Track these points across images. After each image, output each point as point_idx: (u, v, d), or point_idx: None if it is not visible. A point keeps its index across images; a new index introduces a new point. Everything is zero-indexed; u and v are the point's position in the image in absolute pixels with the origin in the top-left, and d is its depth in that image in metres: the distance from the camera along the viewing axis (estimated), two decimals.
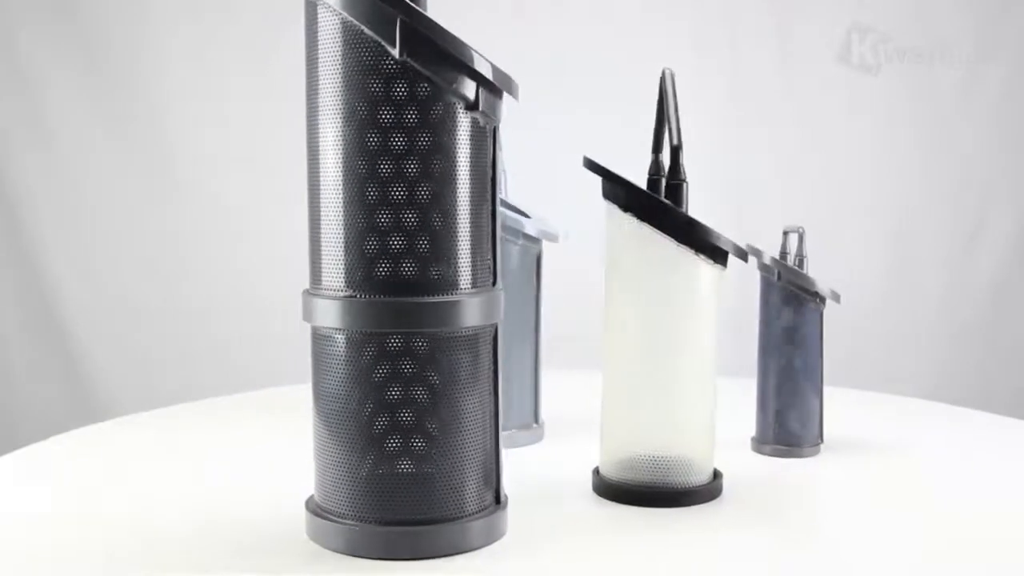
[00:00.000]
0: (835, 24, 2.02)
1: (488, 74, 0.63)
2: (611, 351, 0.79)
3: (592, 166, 0.77)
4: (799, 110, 2.07)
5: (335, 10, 0.61)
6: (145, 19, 1.95)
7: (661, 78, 0.78)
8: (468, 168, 0.64)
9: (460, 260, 0.64)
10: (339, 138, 0.62)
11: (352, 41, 0.61)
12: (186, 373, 1.98)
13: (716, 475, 0.79)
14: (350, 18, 0.61)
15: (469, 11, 1.93)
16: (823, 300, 0.94)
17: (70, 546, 0.67)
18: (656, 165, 0.79)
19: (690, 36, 2.04)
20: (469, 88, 0.63)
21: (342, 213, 0.63)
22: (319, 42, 0.63)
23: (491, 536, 0.66)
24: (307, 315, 0.66)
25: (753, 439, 0.93)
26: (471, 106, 0.63)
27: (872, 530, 0.70)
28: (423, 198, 0.62)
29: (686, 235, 0.75)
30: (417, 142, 0.62)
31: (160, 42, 1.96)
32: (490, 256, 0.66)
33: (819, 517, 0.76)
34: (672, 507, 0.75)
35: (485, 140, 0.65)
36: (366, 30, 0.61)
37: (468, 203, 0.64)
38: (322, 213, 0.64)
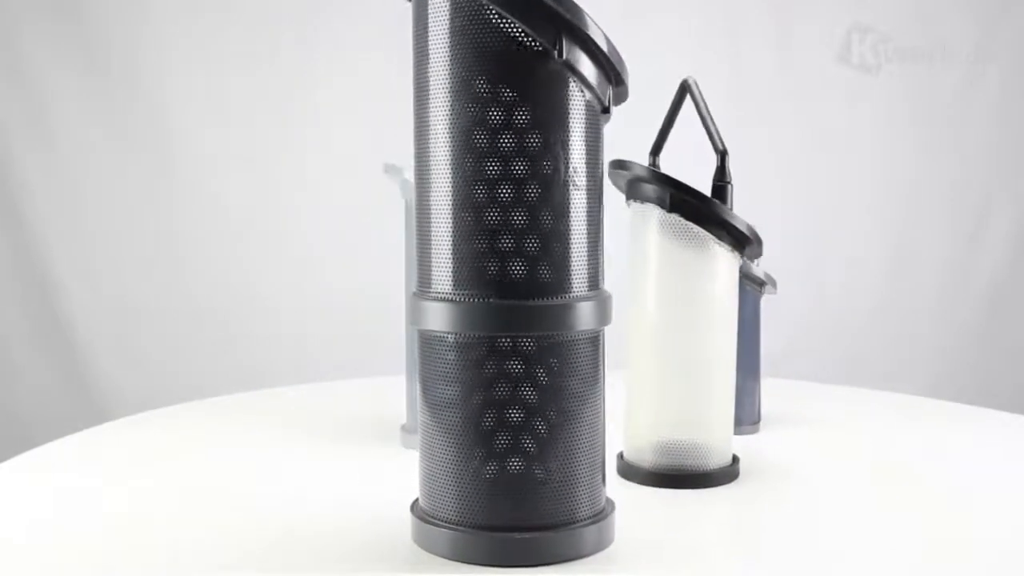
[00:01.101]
0: (835, 24, 2.02)
1: (625, 77, 0.63)
2: (636, 343, 0.82)
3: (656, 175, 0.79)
4: (799, 110, 2.07)
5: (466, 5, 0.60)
6: (146, 19, 1.96)
7: (684, 86, 0.81)
8: (584, 168, 0.63)
9: (574, 262, 0.62)
10: (450, 138, 0.61)
11: (474, 34, 0.60)
12: (187, 373, 1.98)
13: (734, 459, 0.83)
14: (496, 15, 0.59)
15: None
16: (761, 284, 0.96)
17: (162, 549, 0.67)
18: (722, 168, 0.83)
19: (690, 36, 2.04)
20: (604, 90, 0.63)
21: (452, 216, 0.61)
22: (430, 38, 0.61)
23: (601, 543, 0.64)
24: (414, 318, 0.64)
25: None
26: (605, 108, 0.63)
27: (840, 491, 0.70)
28: (536, 199, 0.61)
29: (728, 229, 0.79)
30: (531, 142, 0.60)
31: (161, 42, 1.96)
32: (600, 257, 0.65)
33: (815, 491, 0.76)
34: (698, 488, 0.79)
35: (601, 139, 0.64)
36: (516, 29, 0.59)
37: (584, 204, 0.63)
38: (432, 216, 0.63)
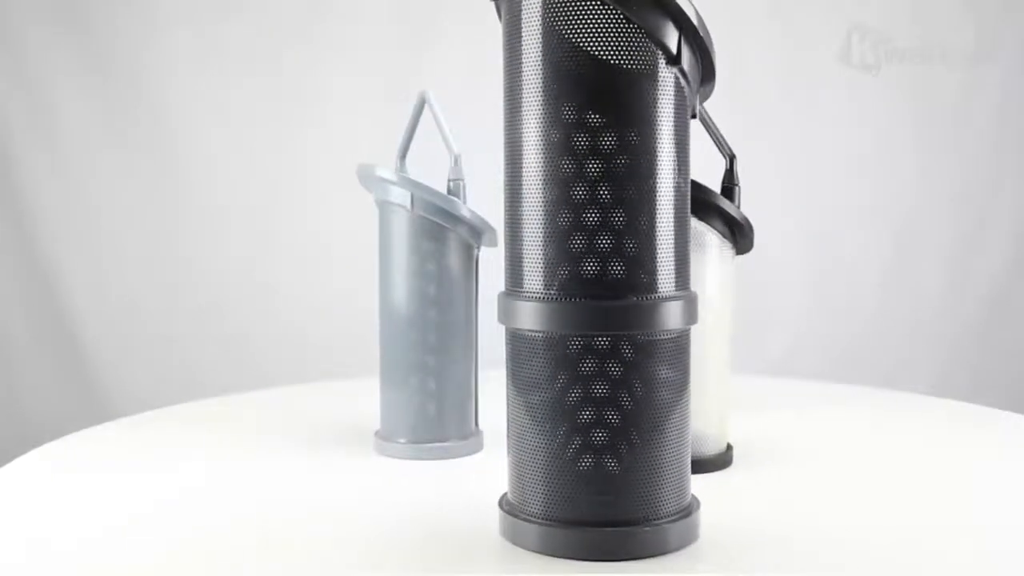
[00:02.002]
0: (835, 24, 2.02)
1: (711, 78, 0.65)
2: None
3: None
4: (799, 110, 2.07)
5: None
6: (150, 22, 1.97)
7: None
8: (676, 169, 0.64)
9: (665, 262, 0.64)
10: (544, 138, 0.63)
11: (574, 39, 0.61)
12: (192, 371, 1.98)
13: (728, 447, 0.88)
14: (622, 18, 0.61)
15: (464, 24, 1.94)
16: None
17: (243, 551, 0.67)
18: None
19: None
20: (697, 90, 0.65)
21: (544, 214, 0.63)
22: (523, 43, 0.63)
23: (687, 539, 0.66)
24: (504, 317, 0.66)
25: None
26: (694, 113, 0.65)
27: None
28: (631, 199, 0.62)
29: (729, 222, 0.84)
30: (629, 143, 0.62)
31: (165, 45, 1.97)
32: (688, 258, 0.67)
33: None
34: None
35: (689, 143, 0.66)
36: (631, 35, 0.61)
37: (673, 204, 0.64)
38: (524, 215, 0.64)
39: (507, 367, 0.67)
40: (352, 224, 1.99)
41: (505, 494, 0.69)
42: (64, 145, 1.96)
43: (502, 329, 0.67)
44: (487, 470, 0.85)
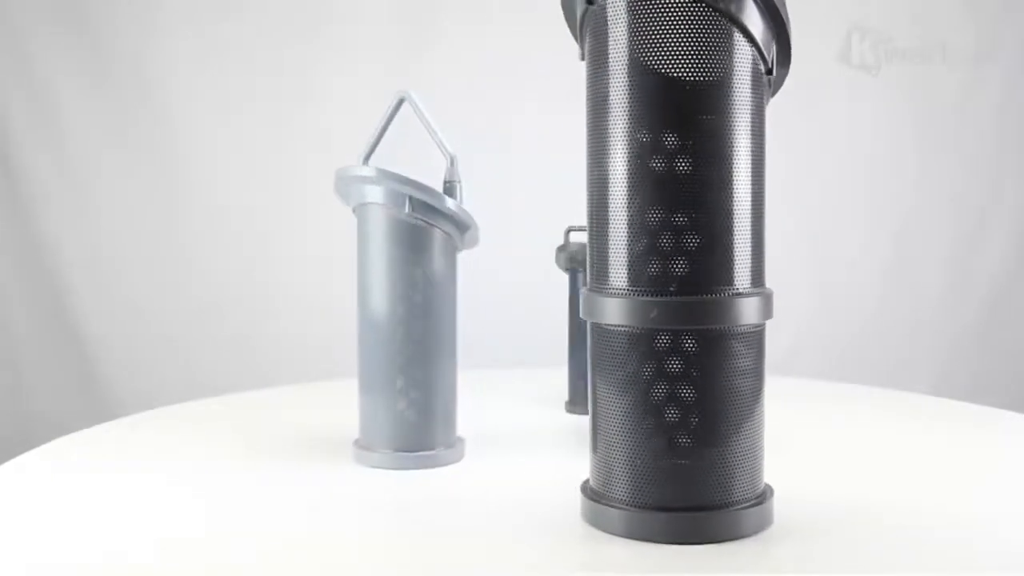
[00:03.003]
0: (835, 24, 2.02)
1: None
2: None
3: None
4: (799, 110, 2.07)
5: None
6: (153, 24, 1.97)
7: None
8: (753, 171, 0.68)
9: (741, 260, 0.67)
10: (630, 140, 0.66)
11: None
12: (196, 372, 1.99)
13: None
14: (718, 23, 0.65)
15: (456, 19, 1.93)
16: None
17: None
18: None
19: None
20: (768, 91, 0.69)
21: (628, 213, 0.66)
22: (610, 50, 0.66)
23: (762, 524, 0.69)
24: (589, 312, 0.69)
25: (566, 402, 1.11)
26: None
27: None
28: (714, 201, 0.66)
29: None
30: (718, 143, 0.65)
31: (168, 48, 1.98)
32: (763, 256, 0.70)
33: None
34: None
35: (765, 143, 0.69)
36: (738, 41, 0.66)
37: (750, 205, 0.67)
38: (610, 214, 0.67)
39: (591, 361, 0.70)
40: (353, 224, 1.99)
41: (586, 481, 0.72)
42: (67, 145, 1.97)
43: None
44: (492, 477, 0.85)
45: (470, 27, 1.95)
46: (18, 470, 0.87)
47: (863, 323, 2.11)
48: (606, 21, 0.66)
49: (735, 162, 0.66)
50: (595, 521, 0.69)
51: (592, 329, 0.70)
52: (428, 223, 0.85)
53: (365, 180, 0.86)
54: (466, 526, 0.72)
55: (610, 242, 0.67)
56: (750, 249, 0.67)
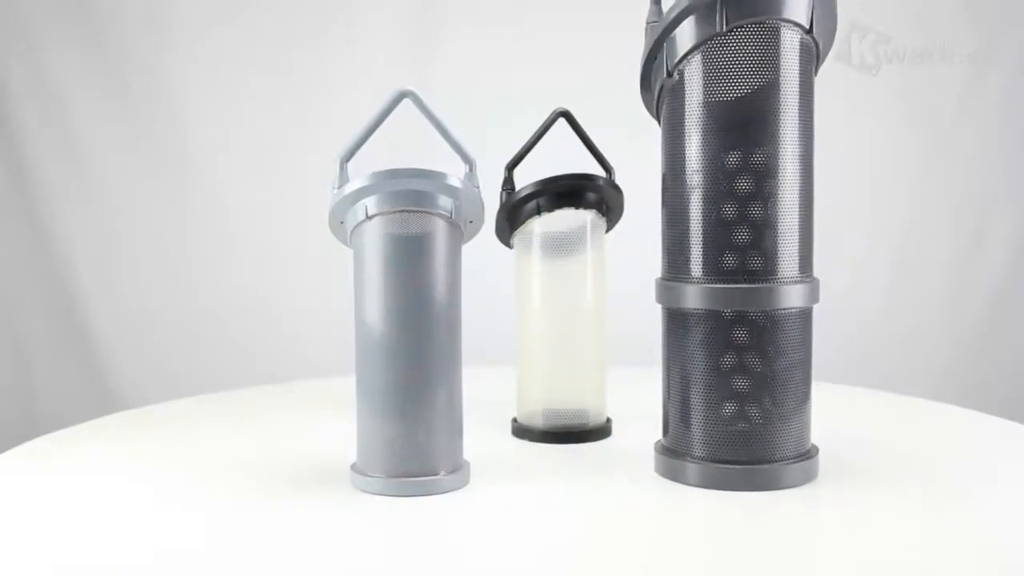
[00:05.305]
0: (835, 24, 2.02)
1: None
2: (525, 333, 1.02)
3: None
4: None
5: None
6: (166, 30, 2.00)
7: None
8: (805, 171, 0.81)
9: (789, 253, 0.79)
10: (708, 141, 0.79)
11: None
12: (205, 374, 2.00)
13: (608, 420, 1.03)
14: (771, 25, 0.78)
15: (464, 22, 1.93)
16: None
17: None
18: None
19: None
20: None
21: (703, 207, 0.79)
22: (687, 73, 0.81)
23: (808, 476, 0.82)
24: (667, 298, 0.82)
25: None
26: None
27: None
28: (772, 203, 0.78)
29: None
30: (783, 143, 0.78)
31: (181, 57, 2.02)
32: (812, 248, 0.83)
33: None
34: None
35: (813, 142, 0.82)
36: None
37: (799, 203, 0.79)
38: (690, 208, 0.80)
39: (665, 341, 0.84)
40: None
41: (659, 440, 0.86)
42: (79, 149, 2.01)
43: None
44: (511, 503, 0.79)
45: (477, 27, 1.95)
46: (14, 461, 0.87)
47: (863, 326, 2.11)
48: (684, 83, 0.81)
49: (790, 172, 0.79)
50: (667, 473, 0.83)
51: (665, 312, 0.83)
52: (423, 211, 0.79)
53: (351, 195, 0.81)
54: (468, 561, 0.66)
55: (690, 237, 0.80)
56: (798, 244, 0.80)
